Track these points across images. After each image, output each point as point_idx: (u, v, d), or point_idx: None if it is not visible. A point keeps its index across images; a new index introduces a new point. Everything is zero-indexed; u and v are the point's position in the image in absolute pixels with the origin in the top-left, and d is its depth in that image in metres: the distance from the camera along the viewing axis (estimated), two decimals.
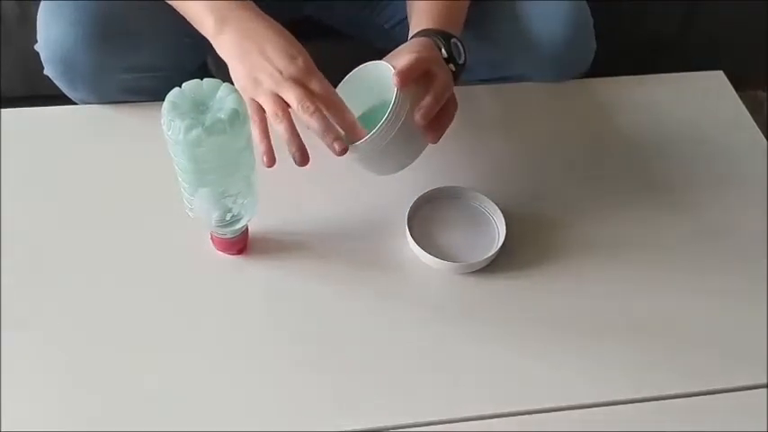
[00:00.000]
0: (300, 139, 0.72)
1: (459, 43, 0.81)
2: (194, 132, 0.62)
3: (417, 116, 0.73)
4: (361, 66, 0.79)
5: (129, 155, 0.88)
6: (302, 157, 0.72)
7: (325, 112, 0.71)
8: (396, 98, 0.72)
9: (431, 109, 0.74)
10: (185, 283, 0.78)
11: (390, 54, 0.77)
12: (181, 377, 0.71)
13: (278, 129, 0.72)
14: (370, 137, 0.72)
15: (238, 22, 0.77)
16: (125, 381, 0.71)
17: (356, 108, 0.77)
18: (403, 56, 0.75)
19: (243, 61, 0.75)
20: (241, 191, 0.71)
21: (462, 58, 0.81)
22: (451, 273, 0.80)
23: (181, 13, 0.81)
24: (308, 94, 0.72)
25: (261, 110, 0.73)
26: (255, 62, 0.74)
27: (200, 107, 0.64)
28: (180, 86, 0.65)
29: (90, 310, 0.75)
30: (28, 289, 0.76)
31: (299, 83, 0.72)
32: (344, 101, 0.75)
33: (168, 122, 0.63)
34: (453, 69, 0.79)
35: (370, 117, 0.77)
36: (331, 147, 0.71)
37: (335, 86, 0.76)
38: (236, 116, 0.63)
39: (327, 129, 0.71)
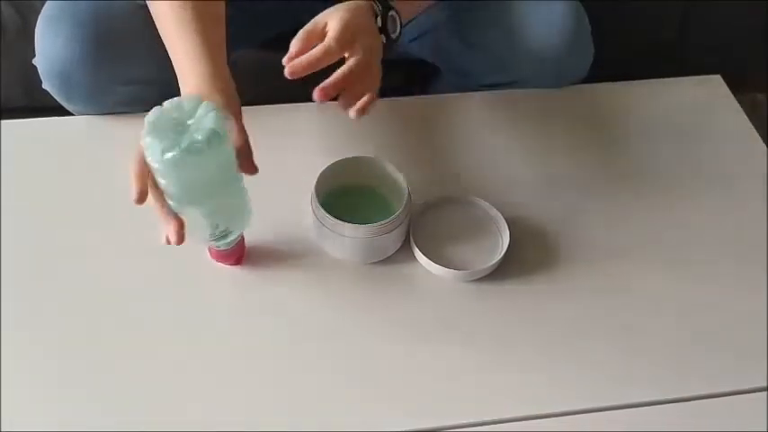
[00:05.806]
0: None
1: (396, 16, 0.79)
2: (171, 154, 0.60)
3: (315, 93, 0.69)
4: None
5: (127, 165, 0.87)
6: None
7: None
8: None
9: (329, 88, 0.69)
10: (183, 292, 0.78)
11: (325, 12, 0.74)
12: (179, 383, 0.72)
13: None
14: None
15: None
16: (124, 385, 0.72)
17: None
18: (332, 18, 0.72)
19: None
20: (227, 207, 0.70)
21: (396, 33, 0.79)
22: (455, 280, 0.80)
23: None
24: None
25: None
26: None
27: (178, 127, 0.62)
28: (162, 104, 0.63)
29: (90, 317, 0.76)
30: (29, 297, 0.77)
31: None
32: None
33: (147, 145, 0.61)
34: (384, 41, 0.77)
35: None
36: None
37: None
38: (215, 135, 0.61)
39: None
